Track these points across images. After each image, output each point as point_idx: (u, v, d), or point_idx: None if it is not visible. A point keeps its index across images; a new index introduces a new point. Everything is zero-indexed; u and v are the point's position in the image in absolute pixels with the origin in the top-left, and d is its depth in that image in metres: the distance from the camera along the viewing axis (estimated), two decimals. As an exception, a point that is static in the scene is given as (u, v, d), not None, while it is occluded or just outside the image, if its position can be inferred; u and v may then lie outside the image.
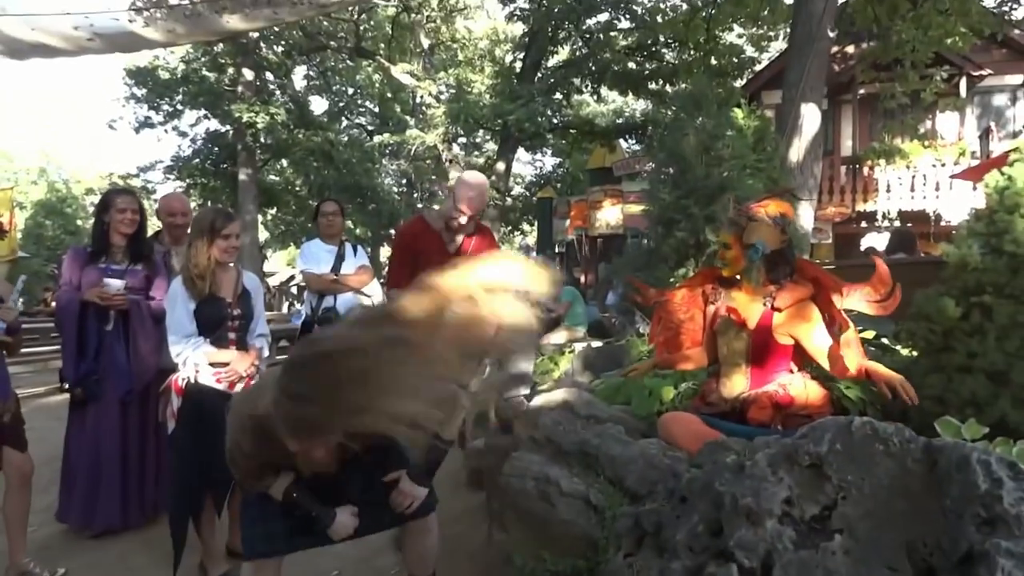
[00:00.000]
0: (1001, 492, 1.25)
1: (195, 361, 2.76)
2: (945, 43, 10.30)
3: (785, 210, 2.64)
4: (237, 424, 1.83)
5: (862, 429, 1.46)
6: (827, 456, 1.45)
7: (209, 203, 18.62)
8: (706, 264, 5.19)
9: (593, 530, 2.18)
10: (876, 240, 11.05)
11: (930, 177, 12.59)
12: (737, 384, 2.66)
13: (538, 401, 3.28)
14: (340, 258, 4.27)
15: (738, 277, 2.71)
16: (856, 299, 2.36)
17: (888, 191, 12.85)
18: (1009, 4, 11.82)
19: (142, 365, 3.36)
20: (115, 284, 3.29)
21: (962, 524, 1.26)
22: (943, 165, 12.51)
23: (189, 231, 2.98)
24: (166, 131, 20.13)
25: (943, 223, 11.93)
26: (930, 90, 11.07)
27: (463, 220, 3.18)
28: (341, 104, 25.23)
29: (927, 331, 2.39)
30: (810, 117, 8.42)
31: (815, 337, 2.49)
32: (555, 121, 18.18)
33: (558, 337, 6.70)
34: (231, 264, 2.93)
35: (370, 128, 25.45)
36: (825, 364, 2.45)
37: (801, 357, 2.59)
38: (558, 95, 18.22)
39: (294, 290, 29.10)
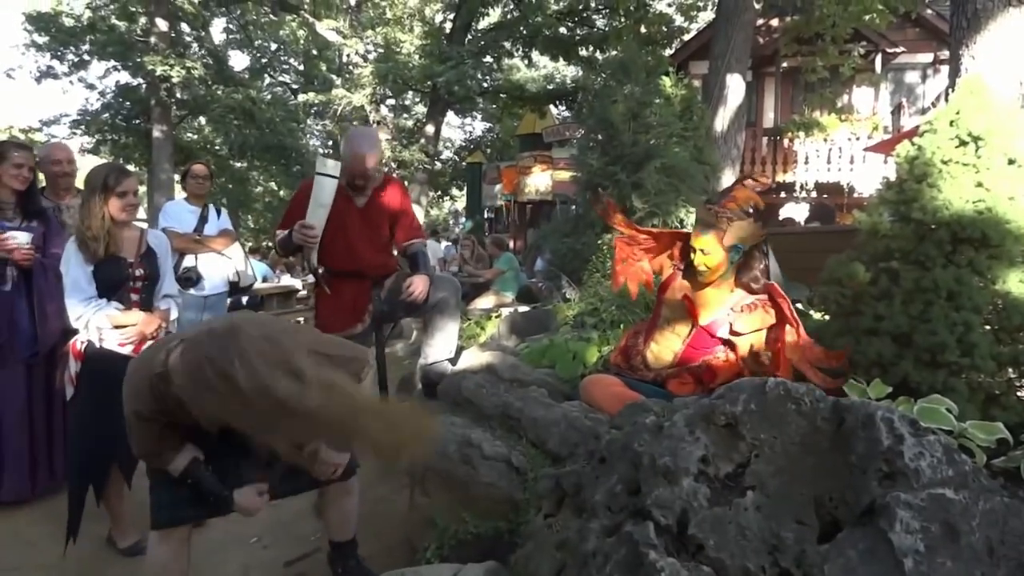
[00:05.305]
0: (902, 448, 1.30)
1: (97, 324, 2.61)
2: (863, 19, 10.68)
3: (755, 199, 2.62)
4: (133, 390, 1.73)
5: (775, 389, 1.50)
6: (742, 416, 1.48)
7: (122, 161, 17.62)
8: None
9: (515, 492, 2.19)
10: (794, 210, 11.47)
11: (845, 150, 13.06)
12: (665, 355, 2.68)
13: (462, 364, 3.26)
14: (203, 220, 4.38)
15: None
16: (804, 358, 2.34)
17: (806, 163, 13.29)
18: (924, -16, 12.32)
19: (47, 326, 3.13)
20: (22, 236, 3.07)
21: (865, 479, 1.30)
22: (858, 139, 12.99)
23: (81, 190, 2.79)
24: (71, 82, 18.90)
25: (856, 195, 12.44)
26: (848, 65, 11.49)
27: (366, 176, 3.23)
28: (263, 60, 24.23)
29: (838, 295, 2.46)
30: (735, 88, 8.58)
31: (749, 348, 2.54)
32: (485, 85, 17.96)
33: (486, 302, 6.70)
34: (133, 222, 2.79)
35: (294, 86, 24.56)
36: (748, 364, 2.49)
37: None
38: (488, 58, 17.97)
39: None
